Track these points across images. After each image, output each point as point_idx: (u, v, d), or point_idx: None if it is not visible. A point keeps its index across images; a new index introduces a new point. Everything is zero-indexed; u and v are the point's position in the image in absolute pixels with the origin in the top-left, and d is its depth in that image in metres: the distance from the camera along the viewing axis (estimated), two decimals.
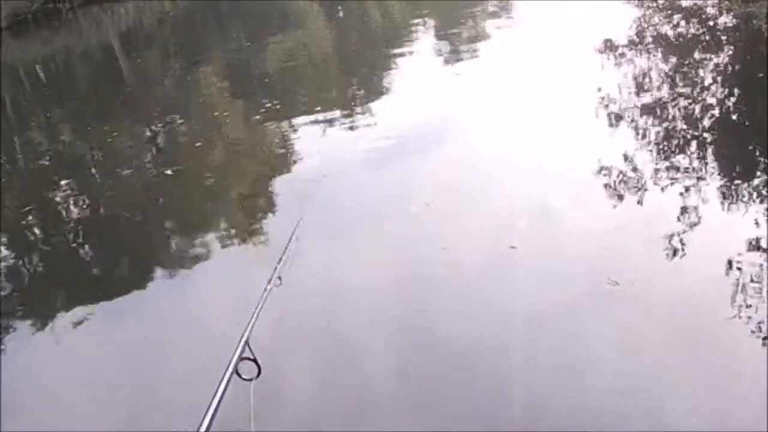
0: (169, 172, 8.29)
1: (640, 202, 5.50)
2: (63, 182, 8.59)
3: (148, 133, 10.36)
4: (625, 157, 6.19)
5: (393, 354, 4.21)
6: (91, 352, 4.97)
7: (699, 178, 5.68)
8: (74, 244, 7.13)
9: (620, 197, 5.60)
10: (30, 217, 7.82)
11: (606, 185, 5.81)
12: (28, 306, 5.97)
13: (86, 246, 7.08)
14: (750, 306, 4.02)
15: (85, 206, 7.92)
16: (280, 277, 2.78)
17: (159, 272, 5.99)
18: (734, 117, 7.18)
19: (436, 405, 3.76)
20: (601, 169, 6.02)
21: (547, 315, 4.26)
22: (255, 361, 2.23)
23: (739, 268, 4.37)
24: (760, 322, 3.88)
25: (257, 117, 9.85)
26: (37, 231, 7.63)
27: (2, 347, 5.26)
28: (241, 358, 2.18)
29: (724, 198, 5.34)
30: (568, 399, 3.65)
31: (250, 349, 2.23)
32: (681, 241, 4.78)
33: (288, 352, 4.25)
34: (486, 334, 4.23)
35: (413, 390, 3.89)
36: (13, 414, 4.22)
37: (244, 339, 2.25)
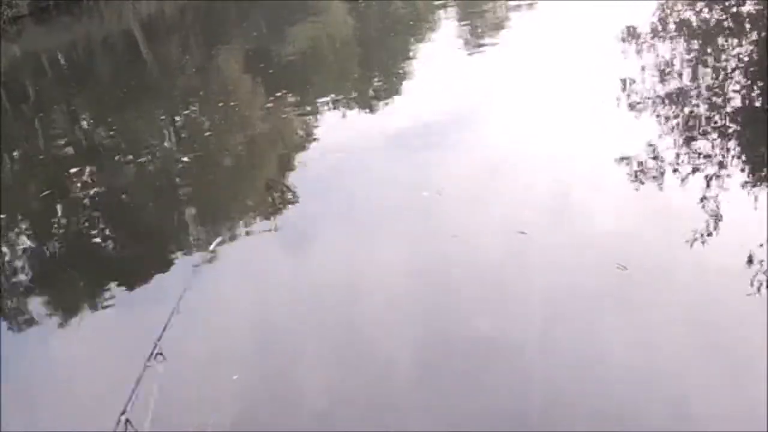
0: (185, 159, 8.31)
1: (656, 190, 5.42)
2: (76, 169, 8.61)
3: (167, 121, 10.40)
4: (642, 146, 6.10)
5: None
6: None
7: (720, 166, 5.59)
8: (87, 227, 7.18)
9: (636, 185, 5.53)
10: (48, 202, 7.88)
11: (622, 172, 5.73)
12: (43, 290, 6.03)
13: (100, 230, 7.11)
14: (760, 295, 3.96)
15: (101, 192, 7.96)
16: (162, 353, 2.52)
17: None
18: (757, 104, 7.04)
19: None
20: (620, 158, 5.94)
21: (554, 298, 4.27)
22: None
23: (756, 258, 4.28)
24: None
25: (274, 105, 9.83)
26: (53, 215, 7.66)
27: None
28: None
29: (743, 187, 5.25)
30: (568, 374, 3.68)
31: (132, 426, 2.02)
32: (696, 229, 4.70)
33: None
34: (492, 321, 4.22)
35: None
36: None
37: (123, 417, 2.07)
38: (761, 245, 4.38)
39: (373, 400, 3.77)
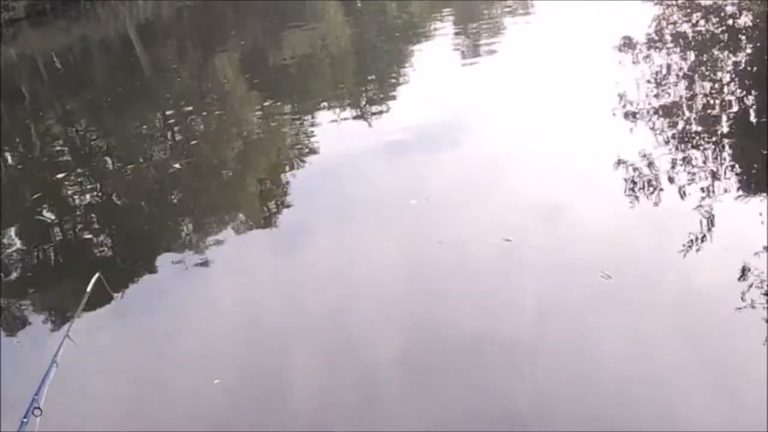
0: (177, 165, 8.27)
1: (647, 199, 5.39)
2: (63, 174, 8.56)
3: (160, 125, 10.37)
4: (634, 155, 6.06)
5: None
6: None
7: (713, 176, 5.56)
8: (75, 231, 7.14)
9: (626, 193, 5.50)
10: (40, 204, 7.84)
11: (612, 181, 5.69)
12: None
13: (87, 233, 7.07)
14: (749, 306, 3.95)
15: (92, 195, 7.92)
16: (40, 407, 2.37)
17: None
18: (751, 116, 7.02)
19: None
20: (612, 165, 5.91)
21: (537, 304, 4.27)
22: None
23: (747, 270, 4.25)
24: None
25: (267, 112, 9.81)
26: (43, 217, 7.62)
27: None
28: None
29: (737, 199, 5.21)
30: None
31: None
32: (685, 239, 4.66)
33: None
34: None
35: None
36: None
37: None
38: (756, 253, 4.35)
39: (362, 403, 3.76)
